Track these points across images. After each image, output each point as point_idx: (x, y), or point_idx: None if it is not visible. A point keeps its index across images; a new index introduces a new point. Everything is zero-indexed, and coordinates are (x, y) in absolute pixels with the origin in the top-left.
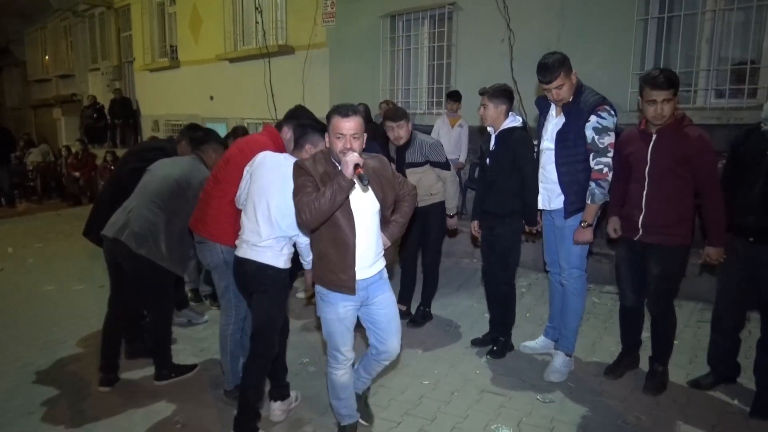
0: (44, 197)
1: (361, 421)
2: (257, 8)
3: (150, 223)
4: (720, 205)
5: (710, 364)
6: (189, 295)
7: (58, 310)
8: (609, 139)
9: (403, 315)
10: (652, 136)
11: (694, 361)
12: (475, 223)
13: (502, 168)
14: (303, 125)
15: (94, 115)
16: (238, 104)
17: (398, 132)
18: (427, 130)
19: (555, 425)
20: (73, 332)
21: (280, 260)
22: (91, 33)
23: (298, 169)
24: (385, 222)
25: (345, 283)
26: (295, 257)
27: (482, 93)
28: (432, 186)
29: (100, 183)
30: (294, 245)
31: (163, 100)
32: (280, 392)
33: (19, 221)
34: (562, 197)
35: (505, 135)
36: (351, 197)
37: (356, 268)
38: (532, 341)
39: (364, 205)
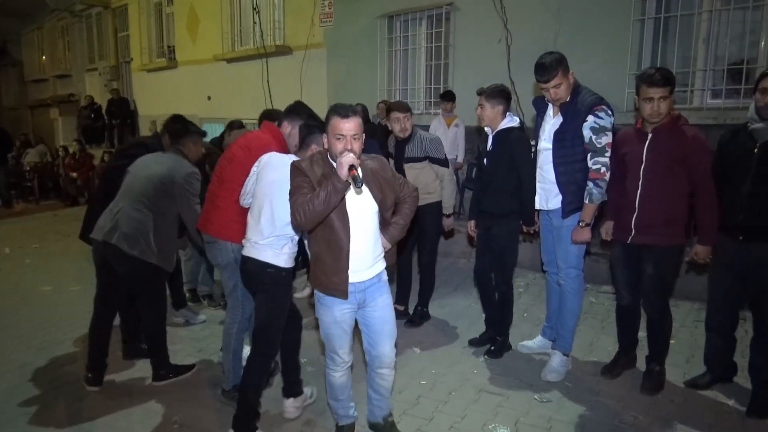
0: (41, 198)
1: None
2: (255, 8)
3: (139, 223)
4: (713, 205)
5: (707, 363)
6: (187, 295)
7: (56, 310)
8: (606, 139)
9: (401, 315)
10: (647, 136)
11: (691, 361)
12: (472, 222)
13: (500, 168)
14: (309, 125)
15: (92, 115)
16: (236, 104)
17: (404, 123)
18: (424, 130)
19: (552, 425)
20: (70, 332)
21: (281, 259)
22: (89, 33)
23: (295, 170)
24: (385, 223)
25: (337, 286)
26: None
27: (479, 93)
28: (429, 185)
29: (97, 183)
30: (299, 243)
31: (161, 101)
32: (293, 389)
33: (16, 222)
34: (560, 197)
35: (503, 135)
36: (348, 198)
37: (352, 271)
38: (529, 341)
39: (362, 207)
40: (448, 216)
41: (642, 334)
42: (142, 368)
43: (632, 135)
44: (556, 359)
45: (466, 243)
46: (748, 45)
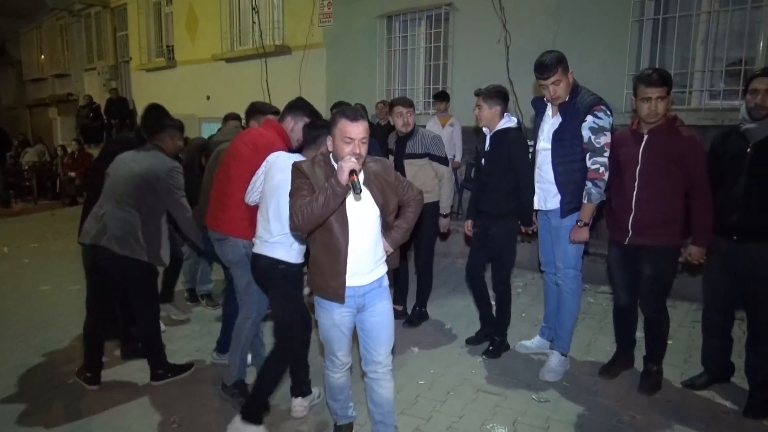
0: (40, 197)
1: None
2: (254, 8)
3: (127, 223)
4: (709, 206)
5: (704, 364)
6: (186, 294)
7: (54, 309)
8: (605, 139)
9: (400, 315)
10: (643, 137)
11: (689, 361)
12: (469, 222)
13: (497, 168)
14: (317, 125)
15: (90, 114)
16: (235, 104)
17: (407, 118)
18: None
19: (550, 424)
20: (68, 332)
21: (291, 255)
22: (87, 32)
23: (296, 171)
24: (387, 227)
25: (334, 290)
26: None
27: (477, 94)
28: (427, 183)
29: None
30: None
31: (160, 100)
32: (301, 388)
33: (14, 221)
34: (559, 197)
35: (500, 135)
36: (348, 202)
37: (351, 275)
38: (527, 341)
39: (363, 210)
40: (445, 216)
41: (639, 334)
42: (141, 368)
43: (628, 136)
44: (554, 359)
45: (464, 243)
46: (746, 46)
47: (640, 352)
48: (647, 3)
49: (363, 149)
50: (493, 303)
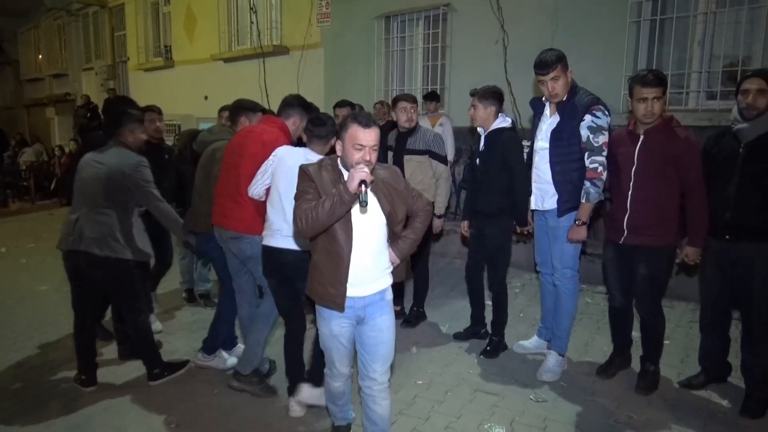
0: (37, 197)
1: None
2: (252, 8)
3: (103, 225)
4: (704, 207)
5: (701, 363)
6: (183, 295)
7: (52, 310)
8: (603, 138)
9: (398, 315)
10: (639, 137)
11: (686, 361)
12: (465, 223)
13: (492, 168)
14: (324, 121)
15: (88, 114)
16: None
17: (411, 113)
18: None
19: (548, 424)
20: (66, 332)
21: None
22: (85, 32)
23: (302, 174)
24: (394, 237)
25: (334, 298)
26: None
27: (472, 94)
28: (424, 181)
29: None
30: None
31: (158, 100)
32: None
33: (12, 221)
34: (556, 197)
35: (495, 135)
36: (354, 208)
37: (352, 284)
38: (525, 341)
39: (368, 218)
40: (439, 217)
41: (636, 334)
42: (139, 368)
43: (625, 136)
44: (552, 359)
45: (461, 243)
46: (743, 47)
47: (637, 352)
48: (645, 4)
49: (373, 156)
50: (489, 303)
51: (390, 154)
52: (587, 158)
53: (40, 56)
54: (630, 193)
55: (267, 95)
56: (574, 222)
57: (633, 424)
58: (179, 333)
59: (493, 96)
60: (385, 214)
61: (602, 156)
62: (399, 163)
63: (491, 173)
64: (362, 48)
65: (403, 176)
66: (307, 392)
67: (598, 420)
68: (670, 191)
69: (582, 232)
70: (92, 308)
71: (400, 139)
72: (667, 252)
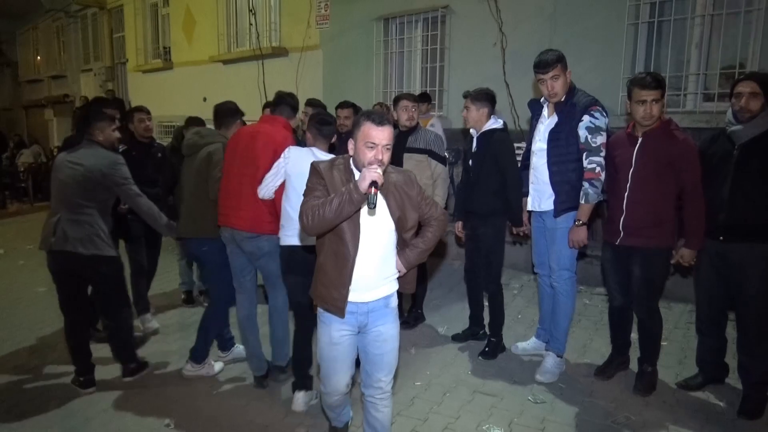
0: (36, 198)
1: None
2: (251, 10)
3: (85, 224)
4: (701, 209)
5: (699, 365)
6: (183, 296)
7: (50, 311)
8: (601, 139)
9: None
10: (638, 139)
11: (684, 362)
12: (459, 224)
13: (484, 168)
14: (328, 120)
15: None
16: None
17: (412, 112)
18: None
19: (546, 425)
20: (64, 334)
21: None
22: (84, 33)
23: (313, 170)
24: (403, 244)
25: (335, 302)
26: None
27: (465, 96)
28: (420, 182)
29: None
30: None
31: (157, 102)
32: (304, 382)
33: (10, 222)
34: (553, 198)
35: (486, 136)
36: (363, 210)
37: (355, 289)
38: (523, 342)
39: (377, 222)
40: None
41: (634, 335)
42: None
43: (623, 139)
44: (550, 360)
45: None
46: (740, 49)
47: (635, 353)
48: (642, 6)
49: (386, 156)
50: (487, 304)
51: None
52: (585, 159)
53: (39, 57)
54: (626, 194)
55: (266, 97)
56: (574, 223)
57: (631, 425)
58: (178, 334)
59: (486, 98)
60: (393, 220)
61: (600, 156)
62: (398, 161)
63: (483, 174)
64: (361, 50)
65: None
66: (301, 398)
67: (597, 421)
68: (667, 193)
69: (582, 233)
70: (81, 308)
71: (400, 137)
72: (662, 254)
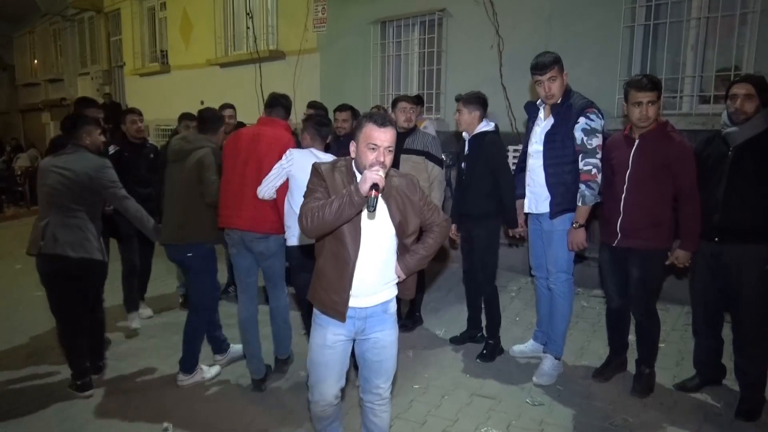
0: (33, 202)
1: None
2: (248, 13)
3: (75, 228)
4: (697, 211)
5: (696, 366)
6: (180, 300)
7: (47, 315)
8: (597, 141)
9: None
10: (635, 141)
11: (681, 364)
12: (454, 226)
13: (476, 170)
14: (325, 122)
15: None
16: None
17: (410, 114)
18: None
19: (544, 427)
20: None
21: None
22: (81, 37)
23: (314, 172)
24: (403, 250)
25: (336, 305)
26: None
27: (458, 99)
28: None
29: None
30: None
31: (154, 105)
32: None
33: (6, 226)
34: (549, 200)
35: (478, 139)
36: (363, 214)
37: (354, 294)
38: (521, 345)
39: (378, 225)
40: None
41: (632, 337)
42: (134, 371)
43: (620, 140)
44: (548, 363)
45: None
46: (736, 52)
47: (632, 355)
48: (638, 9)
49: (388, 159)
50: (483, 306)
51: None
52: (581, 160)
53: (36, 61)
54: (624, 196)
55: (263, 101)
56: (571, 225)
57: (629, 426)
58: (176, 337)
59: (477, 101)
60: (394, 224)
61: (596, 158)
62: (395, 162)
63: (476, 176)
64: (358, 53)
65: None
66: None
67: (595, 423)
68: (664, 195)
69: (580, 235)
70: (73, 310)
71: (397, 139)
72: (659, 255)
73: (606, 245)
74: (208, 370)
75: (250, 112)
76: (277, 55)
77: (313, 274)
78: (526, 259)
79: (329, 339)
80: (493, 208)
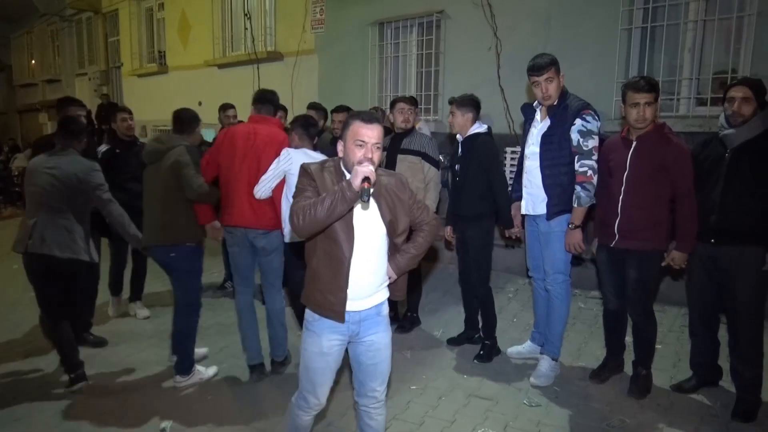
0: None
1: None
2: (246, 14)
3: (63, 229)
4: (693, 213)
5: (692, 368)
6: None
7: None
8: (593, 142)
9: (390, 320)
10: (632, 143)
11: (678, 365)
12: (449, 228)
13: (469, 172)
14: (314, 123)
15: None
16: None
17: (408, 115)
18: None
19: (541, 429)
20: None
21: None
22: (78, 38)
23: (303, 172)
24: (394, 250)
25: (333, 306)
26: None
27: (451, 102)
28: (412, 185)
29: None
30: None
31: (152, 106)
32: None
33: (4, 226)
34: (546, 201)
35: (471, 140)
36: (355, 212)
37: (349, 297)
38: (518, 346)
39: (369, 225)
40: None
41: (629, 339)
42: (132, 370)
43: (618, 142)
44: (545, 364)
45: (445, 248)
46: (732, 54)
47: (629, 356)
48: (636, 12)
49: (376, 155)
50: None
51: (384, 154)
52: (577, 162)
53: (33, 61)
54: (621, 197)
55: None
56: (568, 226)
57: (626, 428)
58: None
59: (470, 104)
60: (385, 223)
61: (592, 160)
62: (392, 162)
63: (469, 177)
64: (356, 54)
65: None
66: None
67: (592, 424)
68: (661, 196)
69: (576, 236)
70: (61, 305)
71: (395, 139)
72: (656, 256)
73: (604, 246)
74: (205, 371)
75: (248, 112)
76: (275, 56)
77: (306, 277)
78: (524, 260)
79: (324, 346)
80: (486, 209)
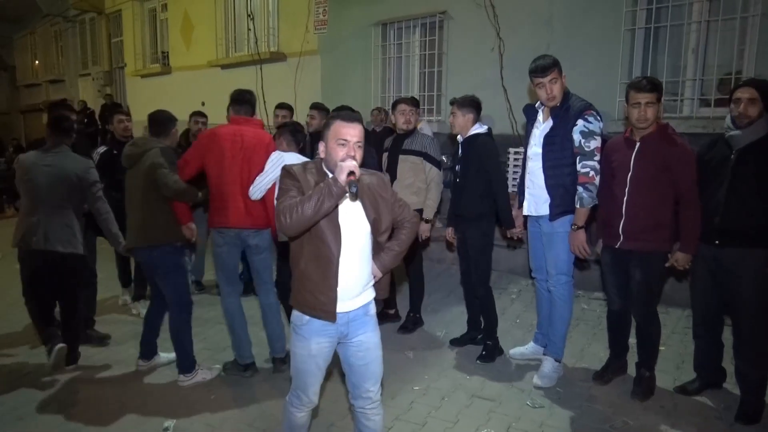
0: None
1: None
2: (249, 15)
3: (64, 225)
4: (697, 214)
5: (696, 369)
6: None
7: None
8: (595, 143)
9: (392, 319)
10: (635, 144)
11: (681, 367)
12: (450, 229)
13: (469, 172)
14: (299, 129)
15: (85, 120)
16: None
17: (409, 116)
18: None
19: (544, 430)
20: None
21: None
22: (82, 38)
23: (286, 174)
24: (378, 248)
25: (323, 306)
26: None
27: (452, 103)
28: (414, 184)
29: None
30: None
31: (155, 106)
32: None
33: (7, 226)
34: (549, 202)
35: (471, 141)
36: (341, 211)
37: (338, 298)
38: (521, 347)
39: (354, 223)
40: (427, 222)
41: (632, 340)
42: (133, 372)
43: (621, 143)
44: (548, 365)
45: (446, 249)
46: (736, 55)
47: (633, 358)
48: (639, 12)
49: (358, 154)
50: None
51: (385, 154)
52: (579, 162)
53: (37, 62)
54: (625, 198)
55: (264, 102)
56: (571, 227)
57: (629, 429)
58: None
59: (471, 104)
60: (369, 222)
61: (594, 161)
62: (394, 162)
63: (470, 177)
64: (359, 55)
65: (395, 178)
66: None
67: (594, 426)
68: (665, 197)
69: (580, 237)
70: (47, 296)
71: (396, 140)
72: (660, 257)
73: (608, 247)
74: (209, 371)
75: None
76: (278, 57)
77: (294, 279)
78: (527, 261)
79: (313, 349)
80: (487, 210)
